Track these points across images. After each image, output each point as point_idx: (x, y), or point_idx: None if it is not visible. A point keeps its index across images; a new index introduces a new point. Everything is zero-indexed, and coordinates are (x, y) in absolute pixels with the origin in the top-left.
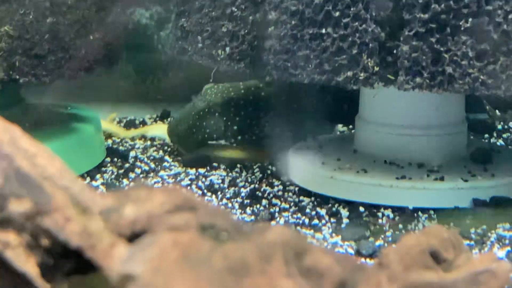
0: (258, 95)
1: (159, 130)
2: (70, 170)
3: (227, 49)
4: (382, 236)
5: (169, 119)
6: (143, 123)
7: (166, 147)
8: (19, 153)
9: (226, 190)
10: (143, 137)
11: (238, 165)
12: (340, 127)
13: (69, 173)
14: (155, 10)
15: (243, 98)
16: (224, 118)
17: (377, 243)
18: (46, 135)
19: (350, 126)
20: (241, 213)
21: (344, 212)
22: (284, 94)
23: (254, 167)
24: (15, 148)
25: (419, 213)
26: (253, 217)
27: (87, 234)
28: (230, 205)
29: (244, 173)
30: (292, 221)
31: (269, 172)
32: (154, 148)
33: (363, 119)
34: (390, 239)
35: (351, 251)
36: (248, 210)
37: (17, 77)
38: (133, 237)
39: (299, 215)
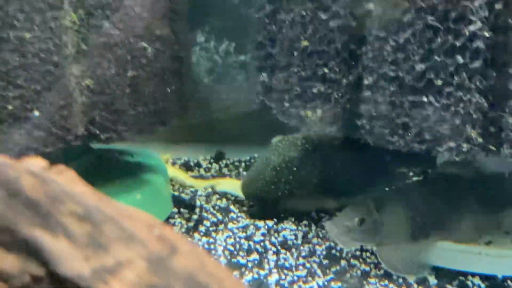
0: (333, 146)
1: (230, 185)
2: None
3: (319, 111)
4: None
5: (224, 161)
6: (198, 165)
7: (229, 195)
8: (214, 282)
9: (301, 247)
10: (213, 190)
11: (305, 217)
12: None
13: None
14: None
15: (318, 149)
16: (303, 172)
17: None
18: (119, 189)
19: None
20: (324, 275)
21: (432, 280)
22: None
23: (323, 219)
24: (209, 276)
25: (509, 282)
26: (340, 284)
27: None
28: (308, 265)
29: (313, 227)
30: None
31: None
32: (217, 196)
33: None
34: None
35: None
36: (329, 273)
37: (97, 132)
38: None
39: (386, 282)
